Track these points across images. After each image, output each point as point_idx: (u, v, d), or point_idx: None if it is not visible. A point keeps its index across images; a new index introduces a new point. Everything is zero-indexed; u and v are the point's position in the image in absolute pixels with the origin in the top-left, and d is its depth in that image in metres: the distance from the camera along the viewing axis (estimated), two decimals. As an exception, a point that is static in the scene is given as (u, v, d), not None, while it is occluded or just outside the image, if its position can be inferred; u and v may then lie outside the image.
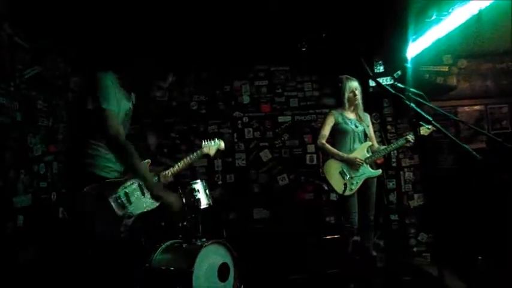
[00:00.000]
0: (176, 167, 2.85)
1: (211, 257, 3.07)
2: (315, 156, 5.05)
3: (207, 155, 3.18)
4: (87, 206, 2.12)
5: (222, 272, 3.10)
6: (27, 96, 3.25)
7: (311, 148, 5.06)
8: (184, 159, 2.93)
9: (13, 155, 3.00)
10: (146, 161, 2.42)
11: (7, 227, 2.87)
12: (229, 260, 3.18)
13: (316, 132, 4.84)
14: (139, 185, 2.32)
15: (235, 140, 5.06)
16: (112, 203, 2.15)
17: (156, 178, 2.45)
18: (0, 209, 2.83)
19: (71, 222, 3.53)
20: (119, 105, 2.24)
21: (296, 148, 5.10)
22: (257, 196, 4.99)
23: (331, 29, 3.30)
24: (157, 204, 2.35)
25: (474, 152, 1.83)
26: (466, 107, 4.89)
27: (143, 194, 2.33)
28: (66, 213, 3.62)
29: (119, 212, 2.16)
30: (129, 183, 2.27)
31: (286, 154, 5.08)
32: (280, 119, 5.13)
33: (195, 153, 3.04)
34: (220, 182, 4.93)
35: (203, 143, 3.20)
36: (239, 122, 5.10)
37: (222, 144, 3.26)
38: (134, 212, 2.22)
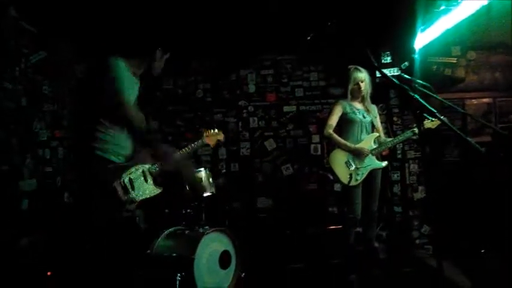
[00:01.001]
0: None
1: (213, 244, 3.09)
2: (319, 146, 5.03)
3: (207, 145, 3.21)
4: (93, 188, 2.18)
5: (224, 259, 3.13)
6: (33, 81, 3.26)
7: (316, 138, 5.04)
8: (186, 148, 2.96)
9: (19, 140, 3.03)
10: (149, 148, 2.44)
11: (12, 210, 2.91)
12: (231, 248, 3.20)
13: (321, 122, 4.84)
14: (142, 171, 2.37)
15: (240, 129, 5.05)
16: (116, 188, 2.20)
17: (156, 165, 2.49)
18: (6, 193, 2.87)
19: (76, 204, 3.58)
20: (131, 93, 2.30)
21: (301, 138, 5.08)
22: (261, 185, 4.99)
23: (338, 18, 3.26)
24: (159, 190, 2.41)
25: (478, 145, 1.81)
26: (474, 100, 4.82)
27: (146, 181, 2.37)
28: (72, 196, 3.66)
29: (123, 197, 2.20)
30: (133, 169, 2.32)
31: (291, 144, 5.07)
32: (286, 108, 5.11)
33: (196, 143, 3.07)
34: (224, 171, 4.95)
35: (204, 133, 3.22)
36: (244, 111, 5.09)
37: (221, 135, 3.28)
38: (137, 198, 2.27)
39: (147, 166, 2.43)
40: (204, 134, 3.21)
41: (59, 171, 3.56)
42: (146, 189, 2.36)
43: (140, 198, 2.30)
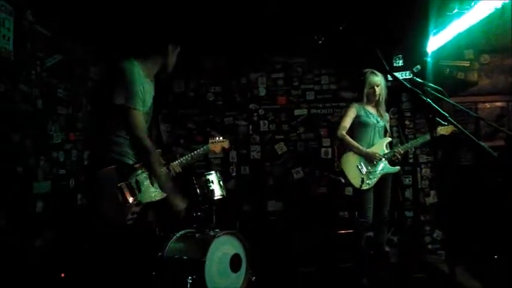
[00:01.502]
0: (184, 160, 2.90)
1: (224, 247, 3.10)
2: (330, 150, 5.02)
3: (213, 152, 3.23)
4: (100, 188, 2.18)
5: (234, 262, 3.14)
6: (48, 85, 3.32)
7: (326, 142, 5.03)
8: (192, 153, 3.00)
9: (33, 142, 3.08)
10: (158, 150, 2.46)
11: (27, 211, 2.95)
12: (241, 251, 3.21)
13: (332, 126, 4.83)
14: (148, 175, 2.35)
15: (251, 132, 5.07)
16: (123, 189, 2.19)
17: (165, 168, 2.54)
18: (21, 194, 2.92)
19: (87, 205, 3.63)
20: (144, 96, 2.27)
21: (311, 141, 5.07)
22: (271, 188, 5.00)
23: (350, 21, 3.25)
24: (165, 194, 2.37)
25: (490, 150, 1.79)
26: (487, 104, 4.77)
27: (152, 184, 2.36)
28: (84, 197, 3.71)
29: (129, 199, 2.19)
30: (140, 172, 2.31)
31: (301, 147, 5.06)
32: (296, 112, 5.11)
33: (201, 149, 3.10)
34: (234, 174, 4.96)
35: (210, 140, 3.25)
36: (255, 114, 5.10)
37: (227, 143, 3.29)
38: (143, 200, 2.26)
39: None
40: (210, 141, 3.23)
41: (73, 173, 3.61)
42: (152, 192, 2.35)
43: (146, 201, 2.28)
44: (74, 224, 3.48)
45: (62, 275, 3.01)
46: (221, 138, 3.26)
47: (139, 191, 2.27)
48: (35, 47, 3.16)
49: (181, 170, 2.82)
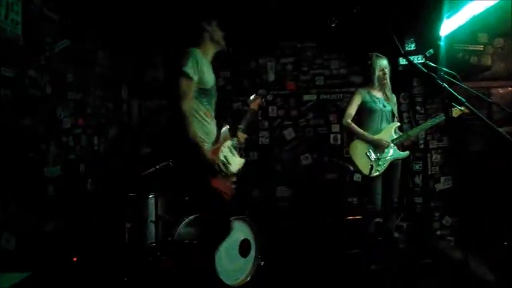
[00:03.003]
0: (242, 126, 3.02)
1: (233, 233, 3.11)
2: (339, 136, 4.98)
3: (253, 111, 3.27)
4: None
5: (244, 248, 3.16)
6: (57, 70, 3.30)
7: (336, 128, 4.99)
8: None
9: (43, 127, 3.09)
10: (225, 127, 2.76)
11: (38, 195, 2.98)
12: (250, 237, 3.22)
13: (341, 111, 4.78)
14: (229, 148, 2.71)
15: (259, 118, 5.04)
16: (220, 165, 2.52)
17: (235, 140, 2.83)
18: (33, 179, 2.94)
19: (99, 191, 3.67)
20: (209, 79, 2.61)
21: (320, 127, 5.03)
22: (280, 174, 4.99)
23: (362, 4, 3.18)
24: (243, 160, 2.81)
25: (509, 137, 1.75)
26: (500, 89, 4.68)
27: (233, 155, 2.74)
28: (95, 183, 3.74)
29: (226, 172, 2.55)
30: (223, 148, 2.64)
31: (310, 133, 5.03)
32: (306, 97, 5.06)
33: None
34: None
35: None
36: (263, 99, 5.05)
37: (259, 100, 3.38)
38: (234, 171, 2.68)
39: (230, 142, 2.75)
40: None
41: (83, 158, 3.63)
42: (237, 161, 2.73)
43: (235, 170, 2.68)
44: (85, 208, 3.52)
45: (75, 258, 3.05)
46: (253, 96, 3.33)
47: (230, 163, 2.63)
48: (44, 32, 3.13)
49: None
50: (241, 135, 2.94)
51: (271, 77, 5.08)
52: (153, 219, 3.41)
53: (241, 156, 2.85)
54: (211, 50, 2.74)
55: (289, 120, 5.05)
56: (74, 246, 3.22)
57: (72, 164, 3.48)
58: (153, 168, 3.46)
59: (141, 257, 3.29)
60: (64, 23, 3.37)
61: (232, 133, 2.87)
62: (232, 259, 3.07)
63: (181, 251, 3.08)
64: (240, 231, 3.18)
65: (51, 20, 3.23)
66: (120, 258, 3.29)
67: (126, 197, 3.42)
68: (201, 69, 2.53)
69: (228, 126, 2.79)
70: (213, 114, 2.68)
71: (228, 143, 2.74)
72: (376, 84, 3.54)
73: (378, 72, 3.51)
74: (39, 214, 2.98)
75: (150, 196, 3.44)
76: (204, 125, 2.57)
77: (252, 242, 3.23)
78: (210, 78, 2.64)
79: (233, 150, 2.75)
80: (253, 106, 3.26)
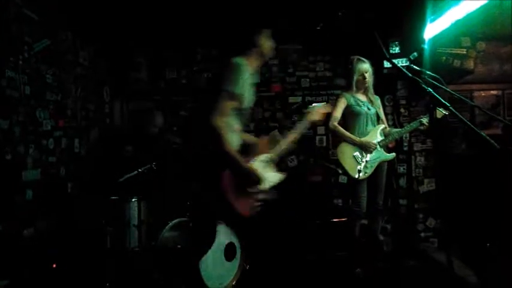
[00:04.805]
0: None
1: (218, 236, 3.07)
2: (324, 138, 4.98)
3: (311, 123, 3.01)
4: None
5: (229, 251, 3.11)
6: (36, 70, 3.21)
7: (321, 130, 4.99)
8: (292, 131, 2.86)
9: (22, 129, 2.99)
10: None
11: (16, 200, 2.89)
12: (235, 240, 3.18)
13: (327, 114, 4.78)
14: (265, 162, 2.59)
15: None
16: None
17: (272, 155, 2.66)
18: (10, 183, 2.84)
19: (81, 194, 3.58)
20: (249, 101, 2.48)
21: (306, 129, 5.01)
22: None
23: (348, 7, 3.19)
24: (280, 178, 2.68)
25: (492, 141, 1.76)
26: (482, 92, 4.76)
27: (266, 169, 2.59)
28: (76, 187, 3.65)
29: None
30: (253, 162, 2.51)
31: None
32: (291, 99, 5.05)
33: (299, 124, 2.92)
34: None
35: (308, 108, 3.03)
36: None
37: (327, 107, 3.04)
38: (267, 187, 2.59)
39: (264, 157, 2.62)
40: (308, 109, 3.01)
41: (63, 161, 3.54)
42: (271, 177, 2.63)
43: (267, 185, 2.58)
44: (65, 213, 3.43)
45: (54, 265, 2.96)
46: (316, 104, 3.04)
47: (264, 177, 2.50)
48: (22, 31, 3.04)
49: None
50: (275, 134, 2.80)
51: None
52: (136, 223, 3.34)
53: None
54: (255, 63, 2.63)
55: (275, 122, 5.02)
56: (54, 252, 3.13)
57: (52, 167, 3.38)
58: (136, 172, 3.39)
59: (123, 262, 3.21)
60: (44, 22, 3.28)
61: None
62: (217, 263, 3.03)
63: (165, 256, 3.02)
64: (225, 234, 3.13)
65: (31, 20, 3.14)
66: (102, 263, 3.21)
67: (107, 200, 3.34)
68: (244, 86, 2.40)
69: (267, 139, 2.69)
70: (241, 129, 2.57)
71: (262, 157, 2.62)
72: (354, 88, 3.55)
73: (356, 76, 3.53)
74: (18, 219, 2.89)
75: (133, 200, 3.38)
76: (233, 138, 2.43)
77: (237, 245, 3.19)
78: (249, 98, 2.52)
79: (266, 165, 2.62)
80: (315, 116, 2.95)
